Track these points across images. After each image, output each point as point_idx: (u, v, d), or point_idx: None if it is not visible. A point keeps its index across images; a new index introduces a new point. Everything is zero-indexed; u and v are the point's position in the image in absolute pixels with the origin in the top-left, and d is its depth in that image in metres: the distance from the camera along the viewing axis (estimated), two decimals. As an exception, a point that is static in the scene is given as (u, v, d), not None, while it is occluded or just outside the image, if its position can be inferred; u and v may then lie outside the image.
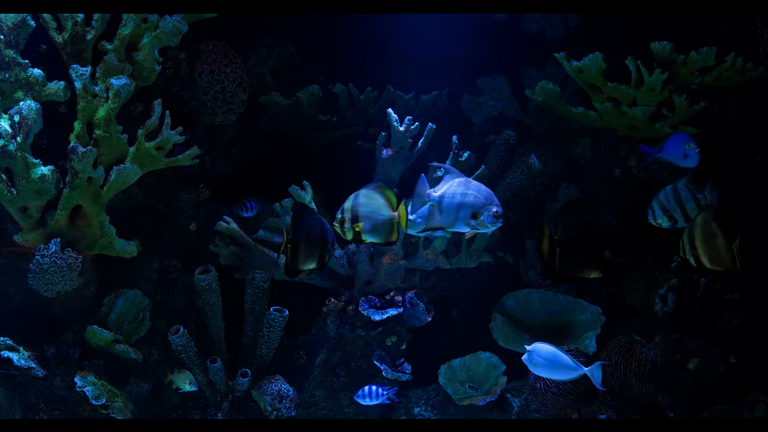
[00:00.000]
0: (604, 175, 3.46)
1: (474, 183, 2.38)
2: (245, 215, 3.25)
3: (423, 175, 2.45)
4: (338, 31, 3.61)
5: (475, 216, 2.34)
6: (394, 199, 2.40)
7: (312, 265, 2.42)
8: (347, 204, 2.38)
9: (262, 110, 3.48)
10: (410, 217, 2.49)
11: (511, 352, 3.25)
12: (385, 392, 3.03)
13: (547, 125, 3.63)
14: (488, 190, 2.37)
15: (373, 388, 3.04)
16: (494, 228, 2.37)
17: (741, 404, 2.79)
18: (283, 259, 3.06)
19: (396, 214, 2.39)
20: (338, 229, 2.39)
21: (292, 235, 2.37)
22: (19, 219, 2.59)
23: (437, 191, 2.38)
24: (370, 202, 2.38)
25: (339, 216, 2.38)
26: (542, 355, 2.57)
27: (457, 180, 2.39)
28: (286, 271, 2.44)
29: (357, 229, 2.39)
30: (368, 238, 2.40)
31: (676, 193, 2.67)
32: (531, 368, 2.63)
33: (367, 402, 3.04)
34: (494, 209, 2.33)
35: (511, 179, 3.36)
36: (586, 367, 2.52)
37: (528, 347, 2.61)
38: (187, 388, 2.94)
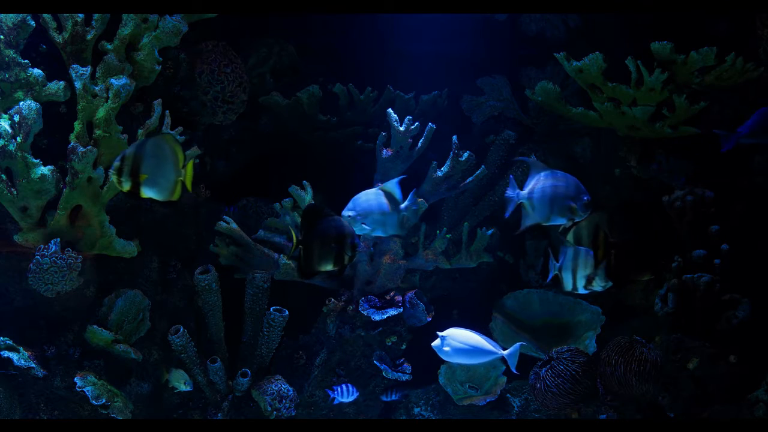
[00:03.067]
0: (604, 175, 3.46)
1: (560, 173, 2.37)
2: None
3: (512, 176, 2.45)
4: (338, 31, 3.61)
5: (569, 207, 2.33)
6: (182, 156, 2.28)
7: (329, 267, 2.36)
8: (129, 151, 2.21)
9: (262, 110, 3.48)
10: (349, 213, 2.45)
11: (511, 352, 3.25)
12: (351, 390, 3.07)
13: (547, 125, 3.62)
14: (574, 178, 2.35)
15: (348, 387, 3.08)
16: (585, 216, 2.36)
17: (741, 404, 2.79)
18: (284, 259, 3.08)
19: (183, 171, 2.27)
20: (113, 178, 2.22)
21: (305, 236, 2.33)
22: (19, 219, 2.59)
23: (526, 188, 2.37)
24: (157, 153, 2.24)
25: (116, 164, 2.20)
26: (457, 339, 2.57)
27: (542, 173, 2.37)
28: (300, 273, 2.39)
29: (140, 181, 2.21)
30: (147, 193, 2.25)
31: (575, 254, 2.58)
32: (443, 356, 2.61)
33: (344, 399, 3.10)
34: (585, 198, 2.32)
35: (511, 179, 3.36)
36: None
37: (440, 333, 2.60)
38: (183, 387, 2.93)
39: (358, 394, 3.10)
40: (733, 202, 3.07)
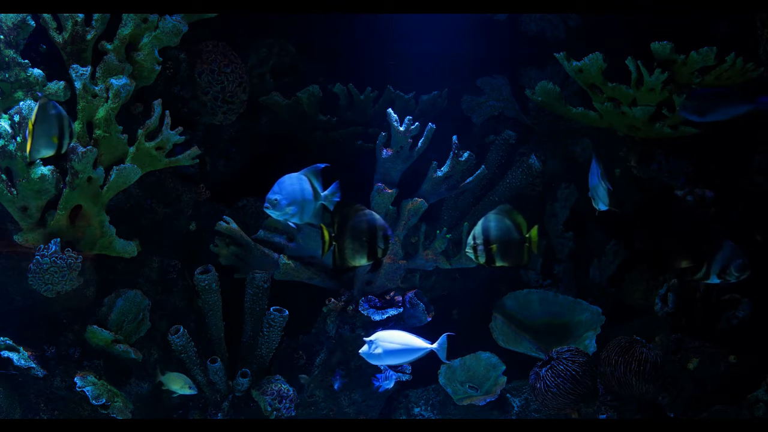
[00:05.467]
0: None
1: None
2: None
3: (594, 161, 2.65)
4: (338, 31, 3.61)
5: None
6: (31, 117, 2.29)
7: (363, 261, 2.35)
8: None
9: (262, 110, 3.48)
10: (275, 196, 2.40)
11: (511, 352, 3.25)
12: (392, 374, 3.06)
13: (547, 125, 3.63)
14: None
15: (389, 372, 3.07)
16: None
17: (741, 404, 2.79)
18: (284, 259, 3.08)
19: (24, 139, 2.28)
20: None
21: (337, 232, 2.32)
22: (19, 219, 2.59)
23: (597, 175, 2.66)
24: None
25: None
26: (387, 340, 2.58)
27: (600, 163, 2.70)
28: (335, 268, 2.39)
29: None
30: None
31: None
32: (373, 360, 2.62)
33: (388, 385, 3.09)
34: None
35: (511, 179, 3.36)
36: None
37: (366, 338, 2.61)
38: (186, 391, 2.89)
39: (396, 375, 3.10)
40: (733, 202, 3.08)
